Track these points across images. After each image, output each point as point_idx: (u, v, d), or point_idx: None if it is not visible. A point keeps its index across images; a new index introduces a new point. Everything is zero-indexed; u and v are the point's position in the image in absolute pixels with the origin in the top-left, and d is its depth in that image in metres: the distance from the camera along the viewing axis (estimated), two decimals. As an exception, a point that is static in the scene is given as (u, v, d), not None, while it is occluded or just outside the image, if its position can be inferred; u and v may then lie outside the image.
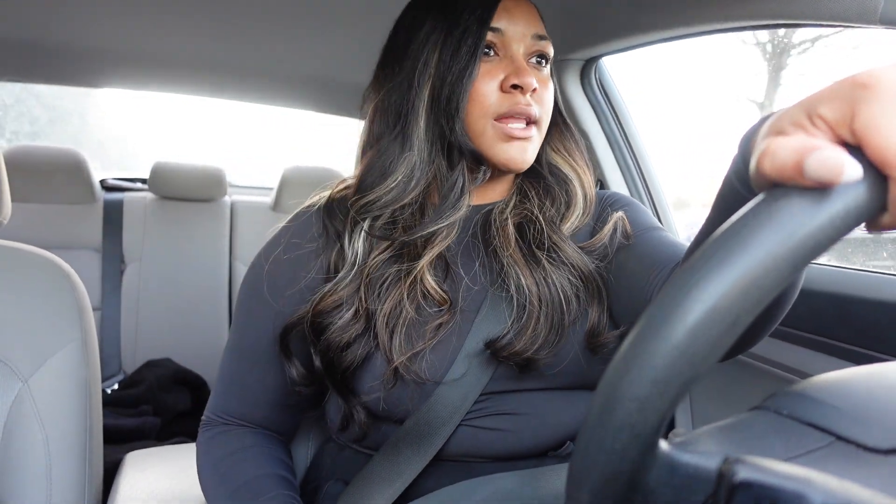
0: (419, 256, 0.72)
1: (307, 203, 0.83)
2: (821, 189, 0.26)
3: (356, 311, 0.71)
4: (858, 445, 0.28)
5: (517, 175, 0.82)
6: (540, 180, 0.81)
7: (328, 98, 2.06)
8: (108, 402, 1.92)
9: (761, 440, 0.30)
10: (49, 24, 1.43)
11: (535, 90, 0.72)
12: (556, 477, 0.70)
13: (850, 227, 0.26)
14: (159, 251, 2.23)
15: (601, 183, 1.47)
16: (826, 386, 0.33)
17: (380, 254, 0.73)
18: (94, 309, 0.89)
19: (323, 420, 0.86)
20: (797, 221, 0.26)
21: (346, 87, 1.85)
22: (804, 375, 0.99)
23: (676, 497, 0.27)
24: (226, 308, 2.27)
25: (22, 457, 0.79)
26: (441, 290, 0.71)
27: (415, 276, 0.71)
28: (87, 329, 0.87)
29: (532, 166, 0.79)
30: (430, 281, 0.71)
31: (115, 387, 2.08)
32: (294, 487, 0.75)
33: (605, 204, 0.83)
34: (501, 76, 0.72)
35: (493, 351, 0.69)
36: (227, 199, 2.42)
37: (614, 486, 0.26)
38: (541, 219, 0.76)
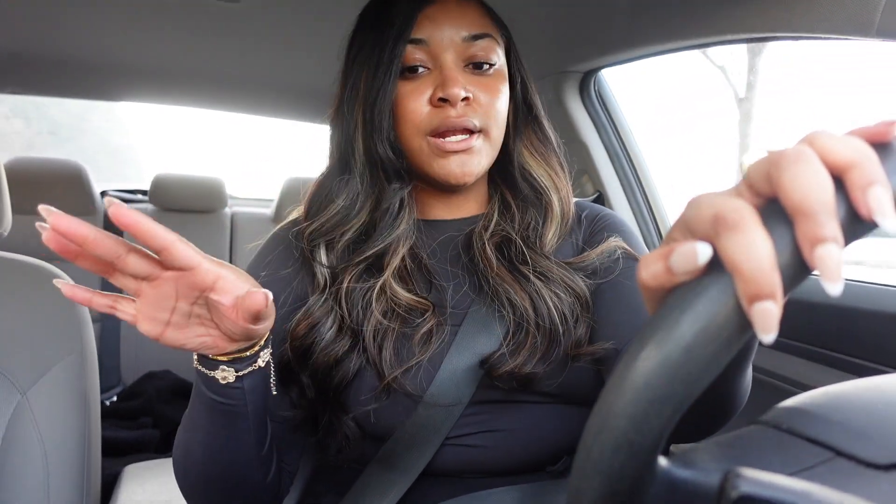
0: (382, 270, 0.71)
1: (283, 224, 0.82)
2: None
3: (340, 328, 0.69)
4: (858, 461, 0.28)
5: (490, 183, 0.80)
6: (517, 192, 0.78)
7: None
8: (107, 413, 1.91)
9: (760, 456, 0.30)
10: (45, 37, 1.44)
11: (467, 99, 0.68)
12: (557, 494, 0.69)
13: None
14: (160, 263, 2.23)
15: (600, 195, 1.47)
16: (826, 400, 0.33)
17: (350, 274, 0.72)
18: (93, 321, 0.89)
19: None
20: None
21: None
22: (805, 388, 0.99)
23: (676, 514, 0.27)
24: (226, 319, 2.27)
25: (20, 469, 0.79)
26: (414, 296, 0.70)
27: (383, 289, 0.70)
28: (86, 341, 0.87)
29: (506, 169, 0.77)
30: (399, 290, 0.70)
31: (115, 398, 2.07)
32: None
33: (599, 225, 0.80)
34: (431, 90, 0.69)
35: (489, 369, 0.67)
36: (227, 210, 2.42)
37: None
38: (518, 240, 0.74)
